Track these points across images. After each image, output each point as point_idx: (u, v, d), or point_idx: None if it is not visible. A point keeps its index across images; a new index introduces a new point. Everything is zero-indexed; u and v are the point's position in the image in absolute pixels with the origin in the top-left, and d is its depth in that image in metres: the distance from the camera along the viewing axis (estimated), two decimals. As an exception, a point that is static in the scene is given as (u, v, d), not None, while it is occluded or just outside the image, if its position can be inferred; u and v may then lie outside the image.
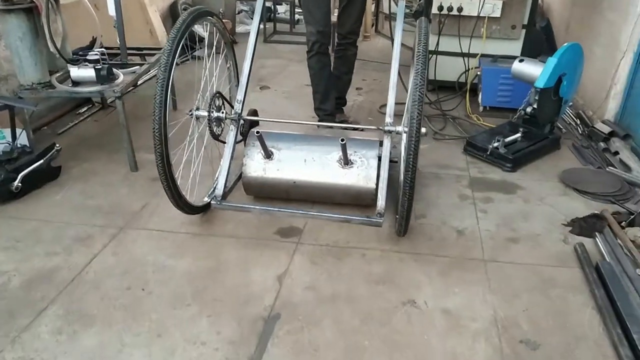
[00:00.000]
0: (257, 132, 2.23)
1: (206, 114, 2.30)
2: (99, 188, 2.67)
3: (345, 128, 2.81)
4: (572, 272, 2.11)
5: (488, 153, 2.96)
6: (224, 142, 2.46)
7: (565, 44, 2.89)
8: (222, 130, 2.44)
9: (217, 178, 2.48)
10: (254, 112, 2.67)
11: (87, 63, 2.71)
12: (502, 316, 1.87)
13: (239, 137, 2.51)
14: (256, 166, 2.40)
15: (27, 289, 1.98)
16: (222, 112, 2.41)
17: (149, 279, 2.03)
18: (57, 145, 2.68)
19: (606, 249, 2.21)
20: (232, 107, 2.54)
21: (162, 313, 1.86)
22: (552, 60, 2.78)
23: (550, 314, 1.89)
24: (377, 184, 2.31)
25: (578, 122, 3.54)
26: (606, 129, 3.22)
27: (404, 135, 2.23)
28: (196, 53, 2.61)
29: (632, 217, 2.39)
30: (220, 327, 1.80)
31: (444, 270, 2.11)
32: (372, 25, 6.35)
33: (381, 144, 2.38)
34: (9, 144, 2.59)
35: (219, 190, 2.35)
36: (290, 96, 4.14)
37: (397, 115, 2.41)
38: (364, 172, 2.35)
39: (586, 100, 3.69)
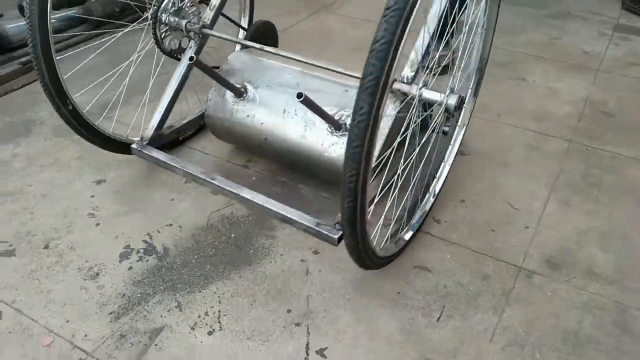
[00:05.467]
0: (191, 59, 1.53)
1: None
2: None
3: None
4: (677, 89, 2.46)
5: (645, 4, 3.16)
6: (166, 52, 1.81)
7: None
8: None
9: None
10: (260, 30, 2.04)
11: None
12: (595, 97, 2.36)
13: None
14: (223, 104, 1.75)
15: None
16: (185, 19, 1.76)
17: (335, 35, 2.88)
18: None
19: None
20: (240, 26, 2.15)
21: (345, 51, 2.70)
22: None
23: (638, 106, 2.32)
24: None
25: None
26: None
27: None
28: None
29: None
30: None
31: (560, 68, 2.60)
32: None
33: (401, 102, 1.40)
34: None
35: (149, 130, 1.74)
36: None
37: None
38: None
39: None
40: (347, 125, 1.54)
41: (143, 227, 1.63)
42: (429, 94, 1.33)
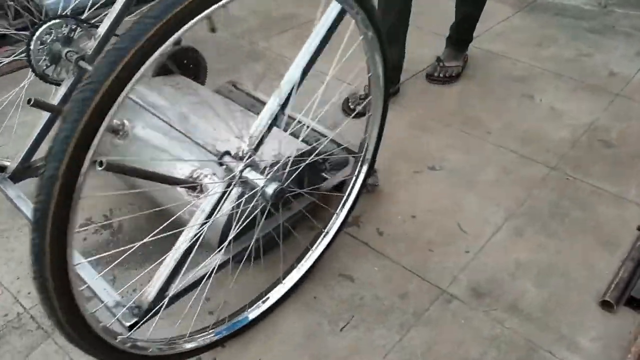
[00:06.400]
0: (29, 101, 1.34)
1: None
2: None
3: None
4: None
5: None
6: (58, 85, 1.55)
7: None
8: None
9: None
10: (177, 58, 1.79)
11: None
12: (600, 124, 2.24)
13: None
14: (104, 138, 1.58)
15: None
16: (69, 48, 1.48)
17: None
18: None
19: None
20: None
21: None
22: None
23: (646, 139, 2.18)
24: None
25: None
26: None
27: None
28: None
29: None
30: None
31: (575, 88, 2.47)
32: None
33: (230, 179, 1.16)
34: None
35: (13, 162, 1.60)
36: None
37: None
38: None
39: None
40: (203, 186, 1.37)
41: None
42: (252, 176, 1.11)
